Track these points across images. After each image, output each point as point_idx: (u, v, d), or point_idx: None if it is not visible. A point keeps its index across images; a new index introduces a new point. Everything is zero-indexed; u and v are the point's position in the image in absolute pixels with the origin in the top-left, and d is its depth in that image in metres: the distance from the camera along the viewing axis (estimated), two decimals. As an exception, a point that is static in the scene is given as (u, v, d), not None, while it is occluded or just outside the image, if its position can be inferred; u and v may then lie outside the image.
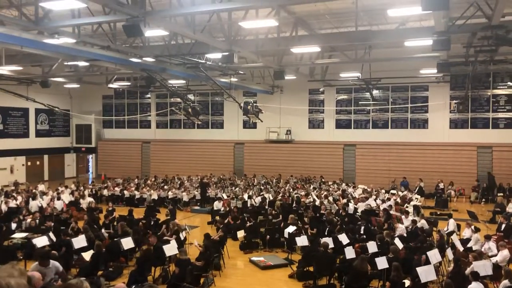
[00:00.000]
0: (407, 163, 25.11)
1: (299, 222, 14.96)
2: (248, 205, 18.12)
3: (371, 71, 21.64)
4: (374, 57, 19.44)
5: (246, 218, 15.62)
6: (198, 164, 29.68)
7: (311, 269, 10.92)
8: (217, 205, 18.49)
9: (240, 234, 14.07)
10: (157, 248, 11.16)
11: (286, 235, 13.39)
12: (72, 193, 20.95)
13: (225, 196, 20.41)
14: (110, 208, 16.82)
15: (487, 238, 11.98)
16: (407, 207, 17.29)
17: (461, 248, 11.66)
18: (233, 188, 22.56)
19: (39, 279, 5.46)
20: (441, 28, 11.73)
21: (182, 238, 12.99)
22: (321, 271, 10.52)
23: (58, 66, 20.35)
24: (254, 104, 21.44)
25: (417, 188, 22.66)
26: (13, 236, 13.53)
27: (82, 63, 19.19)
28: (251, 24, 12.79)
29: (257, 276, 11.51)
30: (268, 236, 13.89)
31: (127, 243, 11.66)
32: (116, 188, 22.96)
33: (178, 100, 28.16)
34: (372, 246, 11.38)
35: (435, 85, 24.64)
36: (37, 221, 14.86)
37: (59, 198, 19.11)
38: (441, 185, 22.98)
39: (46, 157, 31.50)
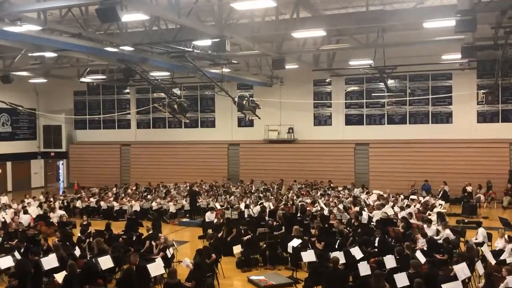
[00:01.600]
0: (429, 164, 25.12)
1: (305, 235, 14.96)
2: (245, 216, 18.08)
3: (385, 57, 21.63)
4: (388, 41, 19.44)
5: (243, 231, 15.61)
6: (186, 170, 29.63)
7: (320, 288, 10.93)
8: (209, 216, 18.44)
9: (237, 249, 14.05)
10: (140, 267, 11.14)
11: (290, 250, 13.39)
12: (40, 205, 20.88)
13: (218, 206, 20.34)
14: (84, 222, 16.76)
15: None
16: (429, 214, 17.33)
17: (493, 261, 11.68)
18: (228, 196, 22.55)
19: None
20: (465, 7, 11.75)
21: (170, 256, 12.97)
22: (331, 291, 10.52)
23: (21, 58, 20.28)
24: (250, 99, 21.43)
25: (441, 192, 22.70)
26: (-28, 256, 13.47)
27: (49, 54, 19.12)
28: (245, 5, 12.78)
29: (257, 298, 11.51)
30: (267, 252, 13.89)
31: (106, 262, 11.63)
32: (92, 199, 22.89)
33: (162, 95, 28.13)
34: (389, 261, 11.40)
35: (460, 72, 24.69)
36: (0, 238, 14.81)
37: (25, 212, 19.02)
38: (469, 189, 23.01)
39: (9, 164, 31.41)
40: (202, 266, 11.21)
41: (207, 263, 11.81)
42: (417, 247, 13.12)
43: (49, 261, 11.51)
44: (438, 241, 13.79)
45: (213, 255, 12.32)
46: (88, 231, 15.65)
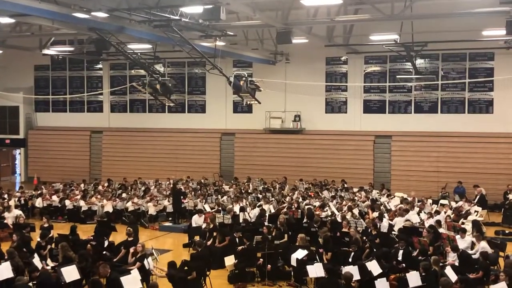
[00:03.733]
0: (463, 162, 25.14)
1: (312, 245, 15.00)
2: (240, 220, 18.11)
3: (414, 32, 21.57)
4: (417, 12, 19.36)
5: (237, 239, 15.64)
6: (169, 163, 29.63)
7: (329, 309, 10.99)
8: (197, 220, 18.47)
9: (229, 261, 14.09)
10: (112, 280, 11.15)
11: (293, 263, 13.43)
12: (-8, 203, 20.92)
13: (207, 208, 20.36)
14: (45, 225, 16.79)
15: None
16: (463, 223, 17.36)
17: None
18: (219, 197, 22.58)
19: None
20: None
21: (148, 267, 13.00)
22: (342, 313, 10.59)
23: (-29, 23, 20.25)
24: (249, 79, 21.39)
25: (478, 197, 22.71)
26: None
27: (5, 20, 19.04)
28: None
29: (252, 319, 11.58)
30: (269, 265, 13.95)
31: (70, 273, 11.64)
32: (54, 197, 22.91)
33: (142, 72, 28.07)
34: (413, 278, 11.45)
35: (504, 52, 24.61)
36: None
37: (-27, 211, 19.10)
38: None
39: (-46, 152, 31.43)
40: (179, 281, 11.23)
41: (187, 279, 11.85)
42: (447, 262, 13.15)
43: (2, 271, 11.52)
44: (473, 255, 13.83)
45: (194, 273, 12.33)
46: (50, 235, 15.66)
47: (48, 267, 13.24)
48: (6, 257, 12.87)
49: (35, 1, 15.63)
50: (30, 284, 11.73)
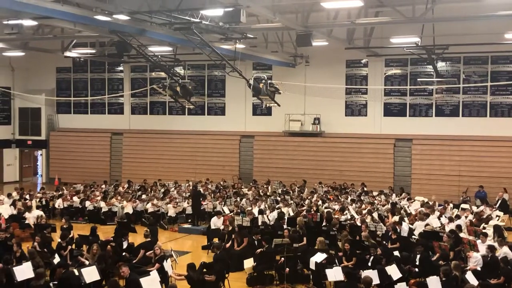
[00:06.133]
0: (485, 166, 24.91)
1: (331, 248, 14.96)
2: (259, 223, 18.11)
3: (435, 35, 21.43)
4: (439, 15, 19.22)
5: (256, 242, 15.64)
6: (189, 165, 29.75)
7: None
8: (216, 222, 18.52)
9: (248, 263, 14.09)
10: (131, 281, 11.20)
11: (312, 266, 13.41)
12: (13, 203, 21.10)
13: (226, 211, 20.39)
14: (65, 225, 16.92)
15: None
16: (484, 228, 17.20)
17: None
18: (238, 199, 22.60)
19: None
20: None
21: (167, 268, 13.04)
22: (361, 317, 10.54)
23: (-5, 26, 20.48)
24: (269, 81, 21.40)
25: (499, 201, 22.50)
26: None
27: (28, 22, 19.24)
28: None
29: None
30: (287, 268, 13.93)
31: (90, 274, 11.72)
32: (75, 198, 23.09)
33: (162, 75, 28.20)
34: (433, 283, 11.38)
35: (527, 55, 24.44)
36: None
37: (-5, 211, 19.29)
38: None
39: (-22, 153, 31.78)
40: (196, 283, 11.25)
41: (205, 282, 11.88)
42: (468, 267, 13.02)
43: (23, 271, 11.62)
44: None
45: (213, 276, 12.34)
46: (70, 236, 15.78)
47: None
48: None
49: (58, 4, 15.78)
50: (51, 284, 11.85)
